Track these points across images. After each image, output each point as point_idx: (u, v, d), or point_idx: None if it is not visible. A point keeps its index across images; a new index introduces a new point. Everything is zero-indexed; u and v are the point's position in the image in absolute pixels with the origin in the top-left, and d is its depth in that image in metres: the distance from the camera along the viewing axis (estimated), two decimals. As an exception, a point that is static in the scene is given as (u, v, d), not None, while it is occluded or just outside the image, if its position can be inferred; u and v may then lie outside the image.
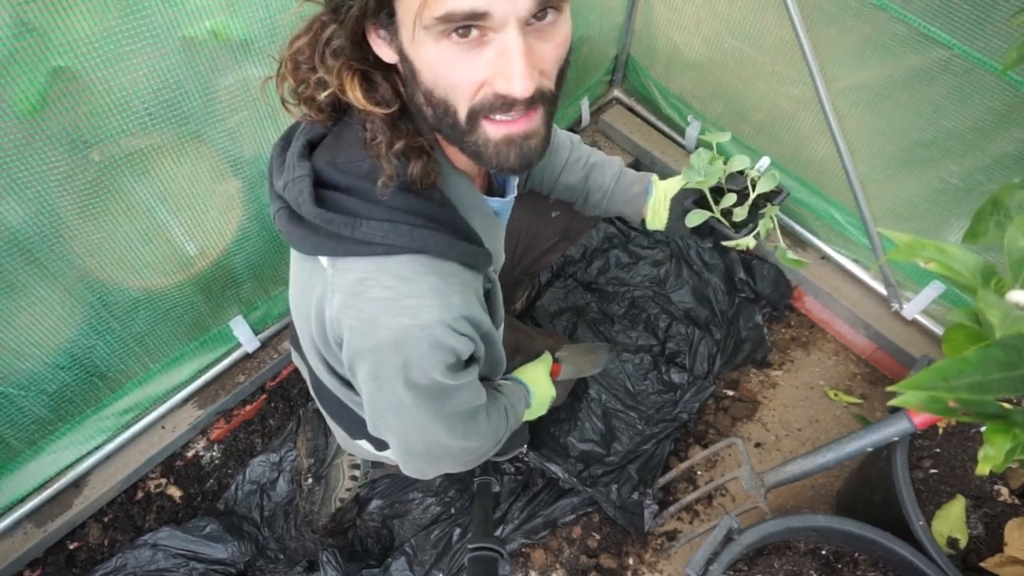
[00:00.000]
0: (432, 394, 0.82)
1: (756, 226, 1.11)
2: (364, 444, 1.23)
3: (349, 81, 0.71)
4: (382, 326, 0.74)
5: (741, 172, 1.12)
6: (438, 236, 0.76)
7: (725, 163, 1.10)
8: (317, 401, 1.27)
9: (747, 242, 1.11)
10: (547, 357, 1.31)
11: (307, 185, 0.74)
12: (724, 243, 1.13)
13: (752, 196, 1.10)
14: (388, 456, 1.23)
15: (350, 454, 1.56)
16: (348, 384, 0.96)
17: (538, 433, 1.65)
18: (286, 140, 0.85)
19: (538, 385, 1.22)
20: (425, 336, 0.75)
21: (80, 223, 1.14)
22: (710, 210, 1.11)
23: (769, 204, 1.12)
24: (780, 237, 1.14)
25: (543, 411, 1.26)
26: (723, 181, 1.11)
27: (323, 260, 0.78)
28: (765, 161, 1.15)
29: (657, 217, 1.19)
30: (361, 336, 0.76)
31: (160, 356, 1.47)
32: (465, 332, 0.79)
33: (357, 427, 1.15)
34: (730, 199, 1.09)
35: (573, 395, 1.70)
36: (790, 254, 1.14)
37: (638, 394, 1.73)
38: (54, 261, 1.14)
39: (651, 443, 1.65)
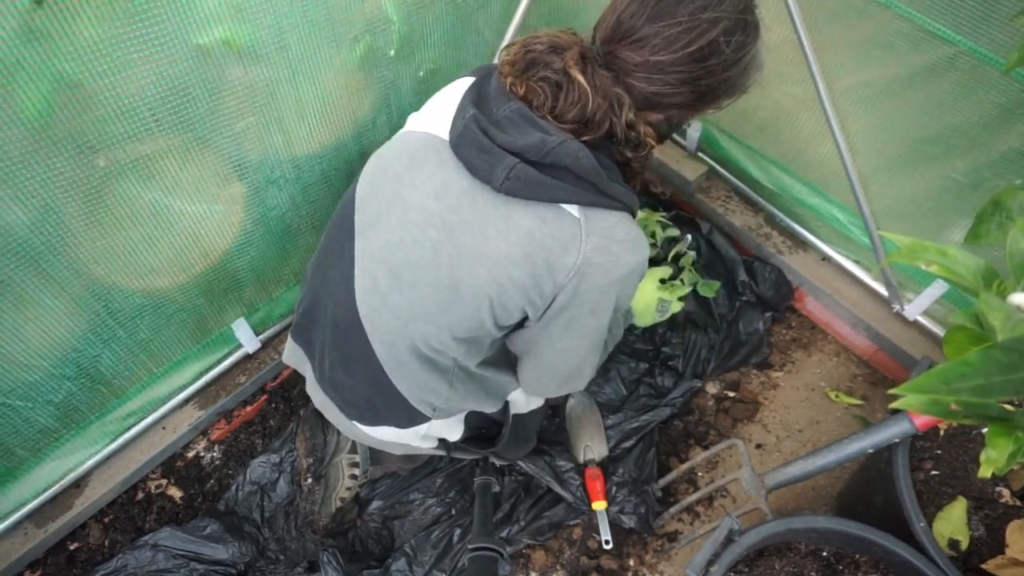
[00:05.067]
0: (610, 323, 1.07)
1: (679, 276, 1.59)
2: (381, 431, 1.23)
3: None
4: (624, 262, 0.97)
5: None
6: (635, 198, 1.02)
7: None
8: (330, 391, 1.25)
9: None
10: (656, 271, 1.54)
11: (582, 147, 0.93)
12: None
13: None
14: (408, 438, 1.23)
15: (349, 452, 1.56)
16: (492, 326, 1.03)
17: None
18: (485, 112, 0.96)
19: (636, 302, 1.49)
20: (640, 269, 1.01)
21: (86, 230, 1.14)
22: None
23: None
24: (696, 278, 1.61)
25: (649, 314, 1.53)
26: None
27: (573, 209, 0.95)
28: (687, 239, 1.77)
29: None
30: (605, 272, 0.97)
31: (163, 360, 1.48)
32: None
33: (391, 411, 1.17)
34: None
35: (557, 410, 1.71)
36: (703, 284, 1.63)
37: (627, 399, 1.73)
38: (60, 270, 1.14)
39: (634, 439, 1.65)
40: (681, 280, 1.50)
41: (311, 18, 1.19)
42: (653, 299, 1.43)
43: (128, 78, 1.02)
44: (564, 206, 0.95)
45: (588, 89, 0.92)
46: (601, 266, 0.96)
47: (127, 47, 0.99)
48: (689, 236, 1.65)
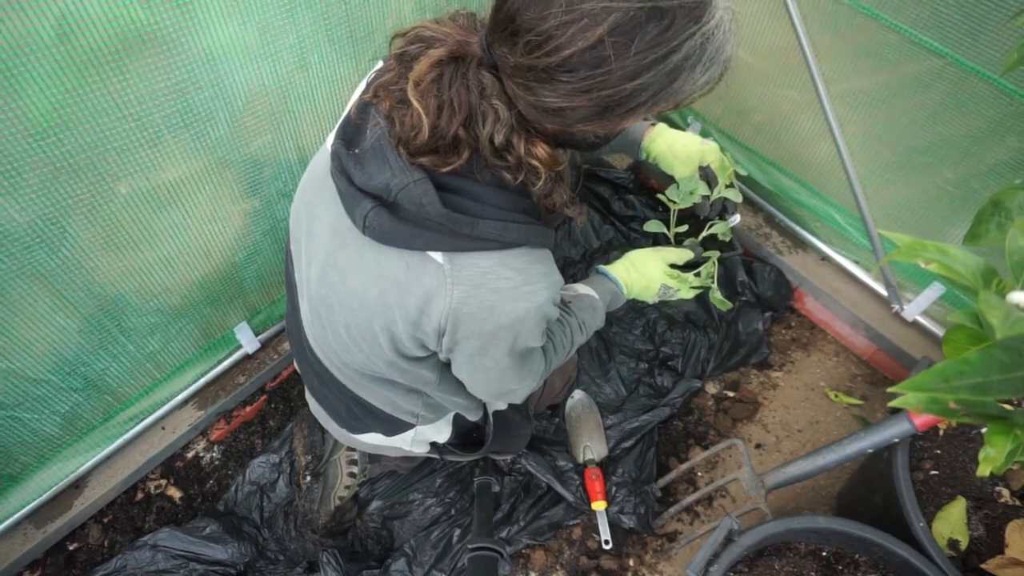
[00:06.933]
0: (524, 356, 0.98)
1: (700, 267, 1.29)
2: (370, 437, 1.23)
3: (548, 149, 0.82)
4: (503, 312, 0.85)
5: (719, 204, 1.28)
6: (536, 229, 0.86)
7: (709, 193, 1.26)
8: (319, 401, 1.27)
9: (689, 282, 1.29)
10: (658, 250, 1.30)
11: (431, 187, 0.79)
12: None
13: (703, 234, 1.31)
14: (397, 444, 1.23)
15: (348, 450, 1.56)
16: (408, 360, 0.97)
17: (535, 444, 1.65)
18: (350, 141, 0.87)
19: (635, 273, 1.26)
20: (536, 314, 0.88)
21: (102, 253, 1.15)
22: (667, 224, 1.33)
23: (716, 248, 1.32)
24: (715, 279, 1.31)
25: (650, 295, 1.28)
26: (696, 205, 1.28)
27: (437, 256, 0.83)
28: (736, 219, 1.32)
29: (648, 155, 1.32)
30: (481, 321, 0.86)
31: (167, 367, 1.49)
32: (558, 301, 0.94)
33: (374, 420, 1.17)
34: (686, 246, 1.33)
35: (557, 410, 1.71)
36: (718, 294, 1.32)
37: (627, 399, 1.73)
38: (75, 291, 1.15)
39: (634, 439, 1.65)
40: (697, 273, 1.28)
41: (332, 36, 1.20)
42: (655, 283, 1.25)
43: (153, 107, 1.04)
44: (429, 252, 0.83)
45: (422, 110, 0.75)
46: (475, 315, 0.85)
47: (153, 76, 1.01)
48: (738, 217, 1.33)
